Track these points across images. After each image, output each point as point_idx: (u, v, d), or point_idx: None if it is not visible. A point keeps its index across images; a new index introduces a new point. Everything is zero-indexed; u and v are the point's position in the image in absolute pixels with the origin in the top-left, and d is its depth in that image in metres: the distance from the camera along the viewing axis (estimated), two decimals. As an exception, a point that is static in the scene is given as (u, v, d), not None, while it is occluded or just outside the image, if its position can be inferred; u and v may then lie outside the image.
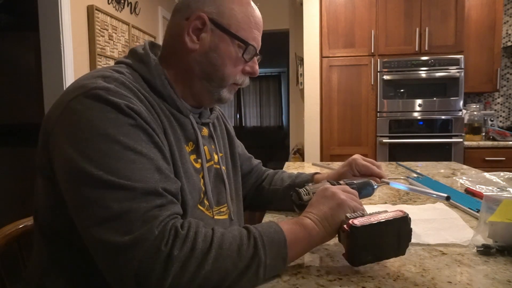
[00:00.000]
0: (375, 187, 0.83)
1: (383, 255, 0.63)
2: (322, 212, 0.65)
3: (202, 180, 0.77)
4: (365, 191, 0.82)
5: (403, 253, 0.64)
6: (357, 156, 0.93)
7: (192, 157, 0.76)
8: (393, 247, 0.63)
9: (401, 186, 0.84)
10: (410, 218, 0.63)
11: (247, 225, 0.62)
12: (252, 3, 0.78)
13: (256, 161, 1.10)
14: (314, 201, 0.69)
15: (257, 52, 0.78)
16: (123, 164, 0.57)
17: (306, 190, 0.80)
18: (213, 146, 0.85)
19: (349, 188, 0.74)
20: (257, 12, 0.79)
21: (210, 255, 0.54)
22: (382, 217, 0.62)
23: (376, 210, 0.65)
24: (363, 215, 0.63)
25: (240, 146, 1.05)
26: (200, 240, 0.55)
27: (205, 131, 0.83)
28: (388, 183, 0.87)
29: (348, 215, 0.63)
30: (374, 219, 0.61)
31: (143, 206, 0.55)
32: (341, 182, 0.81)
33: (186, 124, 0.76)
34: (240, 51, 0.75)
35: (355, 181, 0.81)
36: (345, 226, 0.61)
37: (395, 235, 0.62)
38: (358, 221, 0.60)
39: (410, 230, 0.64)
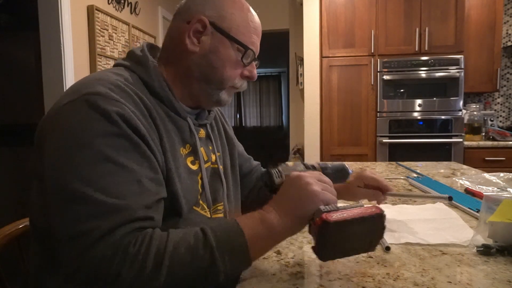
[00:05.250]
0: (350, 172, 0.81)
1: (353, 252, 0.61)
2: (291, 206, 0.62)
3: (200, 182, 0.77)
4: (340, 174, 0.79)
5: (373, 250, 0.62)
6: (366, 170, 0.92)
7: (189, 159, 0.76)
8: (365, 244, 0.60)
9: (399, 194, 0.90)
10: (385, 216, 0.59)
11: (206, 229, 0.59)
12: (252, 10, 0.80)
13: (256, 163, 1.10)
14: (285, 191, 0.65)
15: (256, 57, 0.79)
16: (101, 175, 0.57)
17: (279, 172, 0.72)
18: (210, 147, 0.85)
19: (323, 176, 0.67)
20: (256, 18, 0.80)
21: (161, 272, 0.54)
22: (356, 213, 0.56)
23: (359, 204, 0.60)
24: (337, 209, 0.58)
25: (240, 147, 1.05)
26: (150, 257, 0.54)
27: (202, 132, 0.84)
28: (394, 195, 0.92)
29: (321, 207, 0.59)
30: (348, 215, 0.56)
31: (107, 226, 0.55)
32: (315, 165, 0.76)
33: (183, 126, 0.77)
34: (239, 54, 0.76)
35: (329, 164, 0.77)
36: (317, 219, 0.56)
37: (368, 232, 0.59)
38: (331, 216, 0.55)
39: (384, 227, 0.60)
